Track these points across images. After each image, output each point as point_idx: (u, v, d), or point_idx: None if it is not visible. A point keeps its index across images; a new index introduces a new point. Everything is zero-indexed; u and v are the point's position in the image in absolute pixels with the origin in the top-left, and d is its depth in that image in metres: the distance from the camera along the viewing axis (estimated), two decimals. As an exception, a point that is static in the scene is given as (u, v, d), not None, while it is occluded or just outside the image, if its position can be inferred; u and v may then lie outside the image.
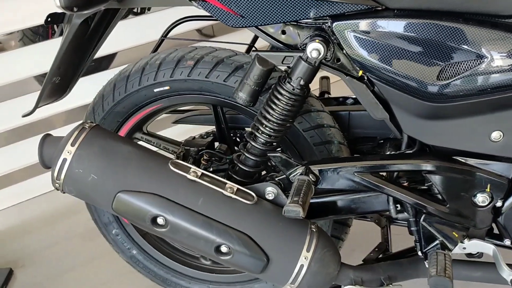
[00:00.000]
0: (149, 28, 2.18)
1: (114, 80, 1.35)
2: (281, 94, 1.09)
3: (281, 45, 1.11)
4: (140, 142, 1.46)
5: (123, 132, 1.40)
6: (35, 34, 2.37)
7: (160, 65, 1.28)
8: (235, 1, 1.00)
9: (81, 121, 1.11)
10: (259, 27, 1.07)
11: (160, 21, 1.77)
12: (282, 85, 1.09)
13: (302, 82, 1.07)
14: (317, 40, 1.03)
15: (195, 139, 1.37)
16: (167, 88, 1.29)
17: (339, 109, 1.39)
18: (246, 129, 1.52)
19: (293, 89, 1.08)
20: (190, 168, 1.09)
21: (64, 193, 1.08)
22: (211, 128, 1.54)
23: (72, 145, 1.04)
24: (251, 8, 1.01)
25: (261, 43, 1.53)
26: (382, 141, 1.41)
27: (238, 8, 1.01)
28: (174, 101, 1.33)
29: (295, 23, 1.07)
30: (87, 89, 1.78)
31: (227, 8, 1.01)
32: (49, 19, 1.22)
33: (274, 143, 1.15)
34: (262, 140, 1.15)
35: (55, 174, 1.04)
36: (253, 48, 1.52)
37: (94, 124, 1.10)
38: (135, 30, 2.20)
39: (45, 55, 2.02)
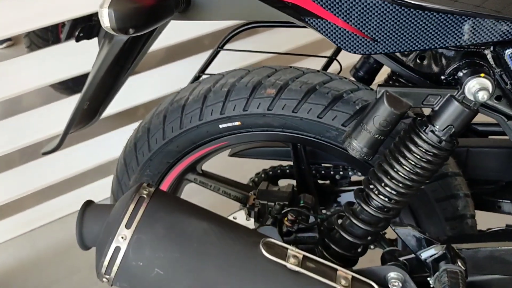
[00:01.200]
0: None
1: (163, 111, 1.02)
2: (417, 145, 0.77)
3: (414, 75, 0.79)
4: (192, 185, 1.15)
5: (173, 175, 1.09)
6: (43, 40, 2.02)
7: (229, 93, 0.95)
8: (370, 21, 0.67)
9: (135, 185, 0.79)
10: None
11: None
12: (421, 133, 0.77)
13: (451, 132, 0.75)
14: (482, 75, 0.70)
15: (269, 188, 1.05)
16: (237, 124, 0.97)
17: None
18: (323, 164, 1.21)
19: (440, 141, 0.76)
20: (287, 249, 0.78)
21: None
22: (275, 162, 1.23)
23: (128, 226, 0.72)
24: (390, 31, 0.68)
25: (345, 55, 1.20)
26: (504, 184, 1.10)
27: (371, 30, 0.68)
28: (244, 139, 1.01)
29: (440, 46, 0.75)
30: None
31: (356, 30, 0.68)
32: (81, 34, 0.89)
33: (394, 210, 0.84)
34: (379, 204, 0.83)
35: (104, 267, 0.73)
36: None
37: (154, 189, 0.78)
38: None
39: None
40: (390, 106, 0.75)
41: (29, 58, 1.77)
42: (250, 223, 1.05)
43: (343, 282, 0.77)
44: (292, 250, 0.78)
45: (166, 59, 1.98)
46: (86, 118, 1.16)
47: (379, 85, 0.76)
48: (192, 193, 1.22)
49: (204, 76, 1.19)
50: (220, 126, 0.97)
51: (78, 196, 1.91)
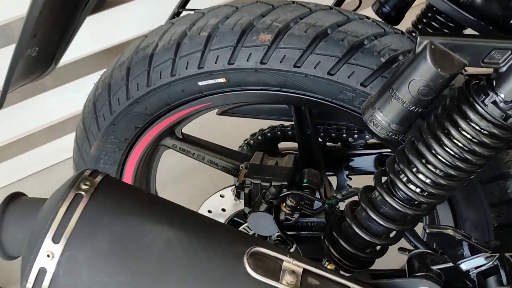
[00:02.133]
0: None
1: (127, 61, 0.78)
2: (470, 121, 0.54)
3: (471, 17, 0.54)
4: (170, 152, 0.94)
5: (145, 141, 0.87)
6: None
7: (210, 40, 0.71)
8: None
9: (76, 173, 0.58)
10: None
11: None
12: (478, 104, 0.53)
13: (524, 105, 0.51)
14: None
15: (264, 160, 0.82)
16: (221, 81, 0.73)
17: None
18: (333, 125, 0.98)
19: (505, 118, 0.52)
20: (282, 261, 0.57)
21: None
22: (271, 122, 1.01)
23: (56, 240, 0.51)
24: None
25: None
26: None
27: None
28: (231, 99, 0.77)
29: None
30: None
31: None
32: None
33: (427, 205, 0.62)
34: (407, 196, 0.61)
35: (27, 291, 0.53)
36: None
37: (98, 182, 0.56)
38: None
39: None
40: (436, 65, 0.50)
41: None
42: (240, 206, 0.84)
43: (358, 304, 0.57)
44: (288, 261, 0.58)
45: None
46: (40, 67, 0.92)
47: (420, 34, 0.51)
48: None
49: (185, 13, 0.93)
50: (199, 83, 0.74)
51: (55, 148, 1.71)
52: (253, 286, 0.54)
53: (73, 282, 0.51)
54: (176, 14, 0.94)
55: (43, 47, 0.86)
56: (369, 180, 0.72)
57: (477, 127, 0.54)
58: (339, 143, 1.01)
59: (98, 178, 0.57)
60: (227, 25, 0.71)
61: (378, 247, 0.69)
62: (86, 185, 0.55)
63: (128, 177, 0.92)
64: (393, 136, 0.57)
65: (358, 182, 0.88)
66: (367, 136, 0.97)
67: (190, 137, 0.92)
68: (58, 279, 0.51)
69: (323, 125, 0.96)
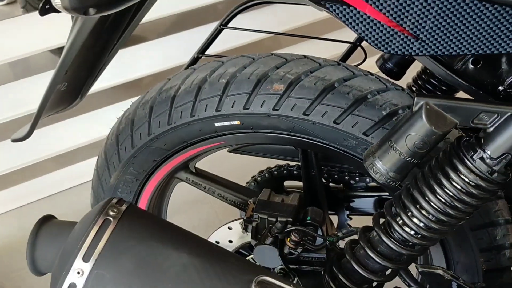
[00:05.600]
0: None
1: (150, 101, 0.86)
2: (459, 173, 0.60)
3: (463, 82, 0.61)
4: (182, 185, 1.00)
5: (161, 174, 0.93)
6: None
7: (228, 86, 0.78)
8: (413, 13, 0.50)
9: (104, 200, 0.64)
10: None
11: None
12: (467, 159, 0.60)
13: (507, 161, 0.58)
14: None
15: (272, 197, 0.89)
16: (236, 123, 0.80)
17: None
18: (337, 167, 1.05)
19: (491, 172, 0.59)
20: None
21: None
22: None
23: (86, 259, 0.57)
24: (440, 27, 0.51)
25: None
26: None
27: (415, 26, 0.51)
28: (244, 140, 0.85)
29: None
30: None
31: (394, 24, 0.51)
32: (47, 6, 0.72)
33: (420, 246, 0.68)
34: (402, 237, 0.67)
35: (55, 307, 0.58)
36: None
37: (124, 209, 0.63)
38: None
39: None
40: (430, 124, 0.58)
41: (26, 18, 1.59)
42: (247, 238, 0.90)
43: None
44: (294, 293, 0.64)
45: (173, 28, 1.80)
46: (67, 99, 1.00)
47: (417, 95, 0.59)
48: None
49: (204, 58, 1.02)
50: (216, 124, 0.81)
51: (68, 174, 1.78)
52: (259, 313, 0.60)
53: (98, 300, 0.57)
54: (195, 59, 1.02)
55: (71, 82, 0.94)
56: (368, 221, 0.78)
57: (466, 179, 0.61)
58: (341, 185, 1.08)
59: (124, 206, 0.63)
60: (244, 74, 0.79)
61: (374, 284, 0.75)
62: (113, 211, 0.62)
63: (142, 206, 0.98)
64: (391, 183, 0.64)
65: (358, 222, 0.94)
66: (367, 179, 1.04)
67: (203, 171, 0.99)
68: (85, 296, 0.57)
69: (327, 167, 1.03)
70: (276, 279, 0.63)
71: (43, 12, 0.71)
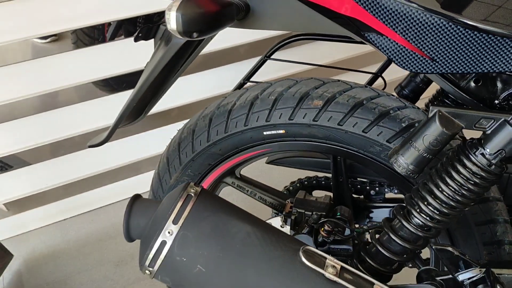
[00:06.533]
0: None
1: (210, 114, 1.04)
2: (465, 167, 0.77)
3: (467, 97, 0.79)
4: (228, 188, 1.17)
5: (212, 177, 1.11)
6: (90, 37, 2.07)
7: (276, 102, 0.97)
8: (431, 41, 0.69)
9: (182, 183, 0.81)
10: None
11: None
12: (471, 155, 0.77)
13: (502, 156, 0.75)
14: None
15: (306, 197, 1.06)
16: (281, 132, 0.98)
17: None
18: (359, 179, 1.21)
19: (489, 165, 0.76)
20: (326, 259, 0.79)
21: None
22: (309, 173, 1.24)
23: (175, 222, 0.74)
24: (450, 51, 0.69)
25: (389, 72, 1.21)
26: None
27: (431, 50, 0.70)
28: (286, 147, 1.02)
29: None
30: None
31: (415, 48, 0.70)
32: (140, 34, 0.92)
33: (434, 229, 0.84)
34: (420, 222, 0.83)
35: (148, 260, 0.75)
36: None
37: (200, 189, 0.80)
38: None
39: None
40: (442, 126, 0.75)
41: (74, 54, 1.82)
42: (285, 230, 1.06)
43: (380, 296, 0.78)
44: (330, 260, 0.79)
45: (202, 66, 2.01)
46: (133, 115, 1.18)
47: (431, 105, 0.77)
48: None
49: (248, 84, 1.21)
50: (265, 133, 0.99)
51: (109, 191, 1.95)
52: (305, 271, 0.76)
53: (183, 253, 0.73)
54: (241, 85, 1.22)
55: (139, 101, 1.13)
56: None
57: (470, 171, 0.77)
58: (362, 196, 1.24)
59: (199, 188, 0.80)
60: (289, 92, 0.98)
61: (395, 265, 0.90)
62: (193, 189, 0.79)
63: (193, 206, 1.15)
64: (411, 175, 0.80)
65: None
66: (386, 190, 1.20)
67: (246, 177, 1.16)
68: (173, 249, 0.73)
69: (351, 178, 1.19)
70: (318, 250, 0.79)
71: (137, 39, 0.91)
